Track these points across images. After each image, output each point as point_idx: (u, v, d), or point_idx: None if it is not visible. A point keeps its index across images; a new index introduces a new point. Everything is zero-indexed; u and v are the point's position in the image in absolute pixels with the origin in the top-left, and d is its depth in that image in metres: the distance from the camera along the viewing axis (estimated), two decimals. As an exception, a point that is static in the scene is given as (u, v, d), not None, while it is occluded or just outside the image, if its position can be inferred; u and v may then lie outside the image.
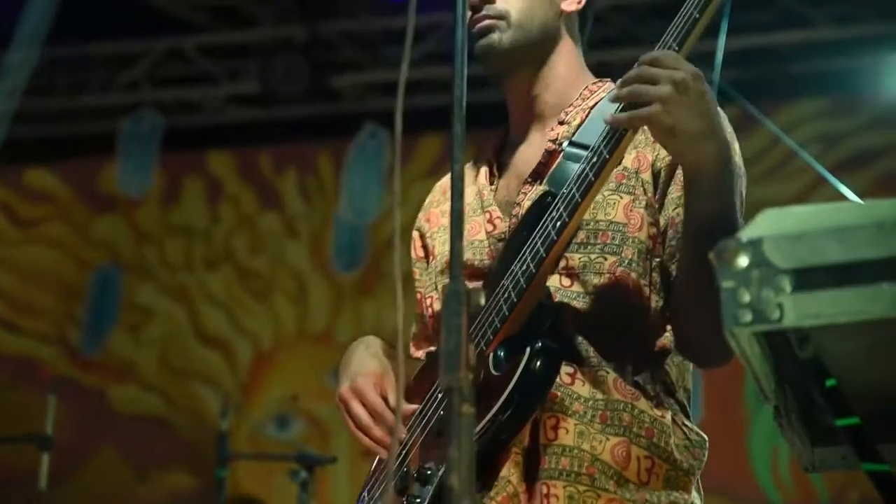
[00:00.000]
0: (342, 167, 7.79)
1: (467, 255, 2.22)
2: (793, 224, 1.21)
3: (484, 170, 2.34)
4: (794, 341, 1.31)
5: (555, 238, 2.03)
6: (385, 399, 2.20)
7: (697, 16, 1.95)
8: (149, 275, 8.00)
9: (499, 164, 2.34)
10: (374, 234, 7.68)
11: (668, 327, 2.14)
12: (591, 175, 2.00)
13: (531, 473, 2.06)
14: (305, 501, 4.82)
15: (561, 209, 2.03)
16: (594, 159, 2.00)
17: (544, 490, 2.04)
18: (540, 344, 2.02)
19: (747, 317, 1.22)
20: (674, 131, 1.88)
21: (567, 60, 2.30)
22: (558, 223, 2.02)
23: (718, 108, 2.03)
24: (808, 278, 1.19)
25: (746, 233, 1.22)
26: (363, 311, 7.63)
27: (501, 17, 2.22)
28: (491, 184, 2.31)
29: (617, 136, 1.98)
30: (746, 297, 1.21)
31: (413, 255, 2.46)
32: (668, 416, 2.11)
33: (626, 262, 2.10)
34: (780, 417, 1.45)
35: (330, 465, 5.11)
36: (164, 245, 8.04)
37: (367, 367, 2.25)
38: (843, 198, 4.26)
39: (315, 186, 7.91)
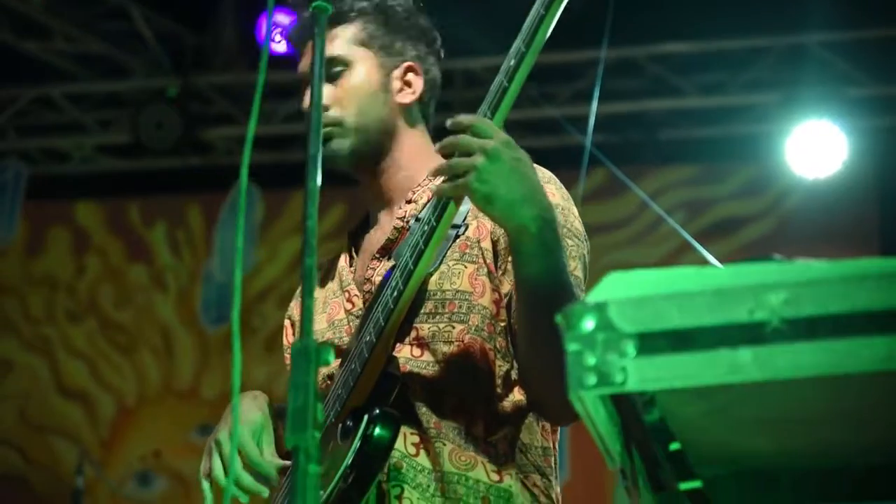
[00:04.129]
0: (214, 224, 7.71)
1: (328, 335, 2.31)
2: (637, 288, 1.22)
3: (344, 255, 2.41)
4: (639, 404, 1.32)
5: (391, 306, 2.10)
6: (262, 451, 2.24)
7: (507, 84, 2.01)
8: (9, 327, 7.80)
9: (356, 247, 2.41)
10: (245, 290, 7.55)
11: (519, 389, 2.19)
12: (421, 244, 2.07)
13: None
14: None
15: (398, 278, 2.10)
16: (425, 228, 2.07)
17: None
18: (378, 410, 2.07)
19: (592, 380, 1.22)
20: (490, 198, 1.95)
21: (410, 148, 2.35)
22: (395, 293, 2.10)
23: (550, 174, 2.18)
24: (650, 343, 1.20)
25: (592, 296, 1.23)
26: (230, 366, 7.49)
27: (337, 123, 2.28)
28: (350, 265, 2.38)
29: (442, 206, 2.06)
30: (591, 361, 1.22)
31: (285, 342, 2.50)
32: (512, 478, 2.14)
33: (473, 329, 2.15)
34: (627, 480, 1.45)
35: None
36: (26, 296, 7.86)
37: (249, 417, 2.27)
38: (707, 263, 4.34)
39: (185, 239, 7.82)
